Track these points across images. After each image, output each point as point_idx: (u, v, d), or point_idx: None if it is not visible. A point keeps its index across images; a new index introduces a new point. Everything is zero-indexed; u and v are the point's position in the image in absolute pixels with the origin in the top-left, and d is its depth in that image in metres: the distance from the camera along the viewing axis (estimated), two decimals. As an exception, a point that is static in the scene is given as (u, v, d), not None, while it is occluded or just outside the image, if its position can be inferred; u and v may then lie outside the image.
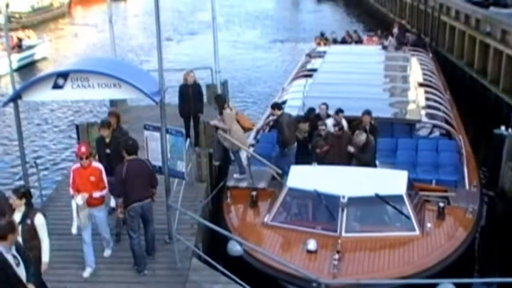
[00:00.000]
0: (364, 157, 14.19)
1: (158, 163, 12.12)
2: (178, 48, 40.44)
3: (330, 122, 15.12)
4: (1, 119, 27.34)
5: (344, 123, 15.33)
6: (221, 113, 14.93)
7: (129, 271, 11.41)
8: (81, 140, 11.45)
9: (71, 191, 11.14)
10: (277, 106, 16.05)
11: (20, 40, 38.30)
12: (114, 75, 11.19)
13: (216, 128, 15.04)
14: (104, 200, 11.56)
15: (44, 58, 39.78)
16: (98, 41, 43.37)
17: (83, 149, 10.98)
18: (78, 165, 11.21)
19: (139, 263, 11.38)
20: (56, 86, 11.55)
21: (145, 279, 11.08)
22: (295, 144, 15.39)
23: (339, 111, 15.47)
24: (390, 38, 30.42)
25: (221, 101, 15.19)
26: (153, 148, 12.24)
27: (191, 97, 16.91)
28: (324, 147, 14.26)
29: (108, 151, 12.34)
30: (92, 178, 10.98)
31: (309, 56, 27.50)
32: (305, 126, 15.27)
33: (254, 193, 13.88)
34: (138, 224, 11.40)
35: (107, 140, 12.43)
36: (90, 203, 11.02)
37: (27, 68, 37.12)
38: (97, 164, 11.30)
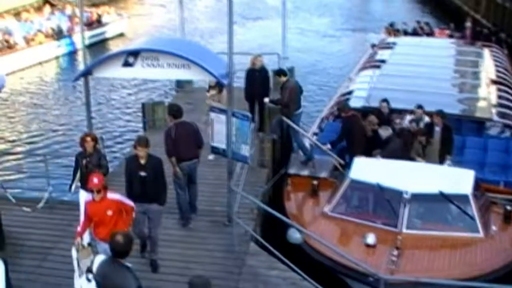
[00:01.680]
0: (385, 152, 14.01)
1: (222, 145, 12.16)
2: (243, 32, 40.27)
3: (408, 117, 14.95)
4: (73, 95, 27.98)
5: (426, 118, 15.05)
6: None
7: (188, 250, 11.48)
8: (94, 171, 10.21)
9: (79, 229, 9.67)
10: (282, 72, 15.94)
11: (99, 16, 39.25)
12: (184, 55, 11.23)
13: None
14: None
15: (121, 34, 40.76)
16: (166, 22, 43.73)
17: (95, 180, 9.31)
18: (90, 196, 9.57)
19: (185, 218, 12.32)
20: (126, 64, 11.68)
21: (203, 260, 11.10)
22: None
23: (419, 107, 15.20)
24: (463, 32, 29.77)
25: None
26: (218, 130, 12.22)
27: (257, 81, 16.84)
28: None
29: (143, 173, 10.44)
30: (110, 213, 9.38)
31: (378, 46, 27.08)
32: (374, 119, 15.00)
33: (315, 182, 13.80)
34: (185, 182, 12.16)
35: (143, 161, 10.48)
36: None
37: (105, 43, 38.12)
38: (113, 196, 9.55)
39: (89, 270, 7.05)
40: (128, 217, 9.65)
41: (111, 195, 9.48)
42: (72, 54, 35.40)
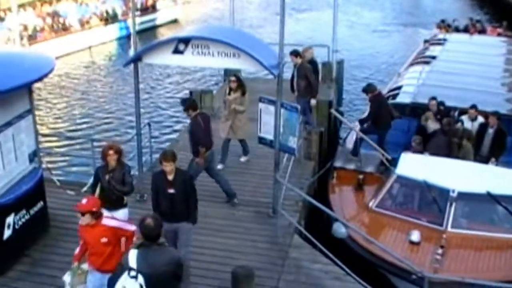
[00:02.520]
0: (430, 146, 13.92)
1: (269, 136, 12.14)
2: (293, 23, 40.11)
3: (465, 118, 14.79)
4: (123, 80, 28.27)
5: (480, 118, 14.86)
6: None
7: (232, 240, 11.52)
8: (90, 194, 9.37)
9: (76, 252, 8.84)
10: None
11: (154, 1, 39.83)
12: (234, 44, 11.19)
13: None
14: None
15: (175, 21, 41.41)
16: (216, 10, 43.96)
17: (83, 201, 8.27)
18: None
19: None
20: (176, 51, 11.67)
21: (246, 250, 11.13)
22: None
23: (473, 106, 14.98)
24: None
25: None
26: (266, 121, 12.19)
27: (307, 73, 16.79)
28: None
29: (171, 191, 9.47)
30: (104, 240, 8.27)
31: (428, 42, 26.71)
32: (430, 114, 14.78)
33: (361, 176, 13.74)
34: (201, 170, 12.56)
35: (170, 177, 9.52)
36: (104, 269, 8.34)
37: (158, 29, 38.69)
38: (110, 222, 8.45)
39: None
40: (129, 243, 8.40)
41: (108, 221, 8.39)
42: (125, 39, 35.77)
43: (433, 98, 15.36)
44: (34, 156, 11.30)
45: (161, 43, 12.10)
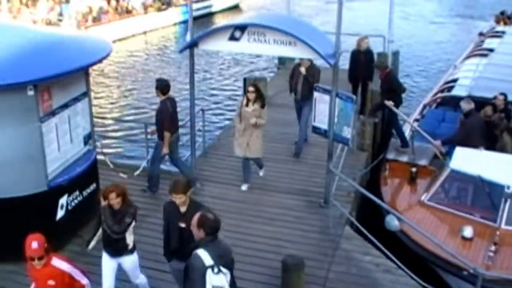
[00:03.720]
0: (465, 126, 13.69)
1: (323, 126, 12.07)
2: (349, 13, 39.82)
3: None
4: (178, 65, 28.45)
5: None
6: None
7: (283, 228, 11.50)
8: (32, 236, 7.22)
9: None
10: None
11: None
12: (291, 33, 11.13)
13: None
14: None
15: (236, 6, 42.23)
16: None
17: (34, 245, 7.06)
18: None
19: (154, 187, 12.67)
20: (232, 38, 11.68)
21: (296, 239, 11.10)
22: None
23: None
24: None
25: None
26: (320, 110, 12.13)
27: (362, 63, 16.68)
28: None
29: (182, 225, 8.04)
30: (51, 283, 7.30)
31: (486, 35, 26.23)
32: (488, 109, 14.49)
33: (414, 169, 13.56)
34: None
35: (183, 209, 8.08)
36: None
37: (219, 14, 39.39)
38: (61, 265, 7.36)
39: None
40: None
41: (59, 263, 7.34)
42: (186, 24, 35.97)
43: (502, 93, 15.01)
44: (88, 138, 11.44)
45: (217, 29, 12.12)
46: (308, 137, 14.79)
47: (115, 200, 8.34)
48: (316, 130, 12.60)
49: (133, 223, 8.61)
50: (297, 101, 14.86)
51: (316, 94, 12.27)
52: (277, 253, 10.28)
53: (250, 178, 13.15)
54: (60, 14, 32.15)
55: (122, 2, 35.09)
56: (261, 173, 13.49)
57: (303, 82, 14.47)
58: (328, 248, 10.85)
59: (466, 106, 13.79)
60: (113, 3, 34.56)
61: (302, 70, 14.46)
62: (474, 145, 13.06)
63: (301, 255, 9.63)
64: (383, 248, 10.59)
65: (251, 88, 12.56)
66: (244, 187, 13.06)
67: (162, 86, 12.21)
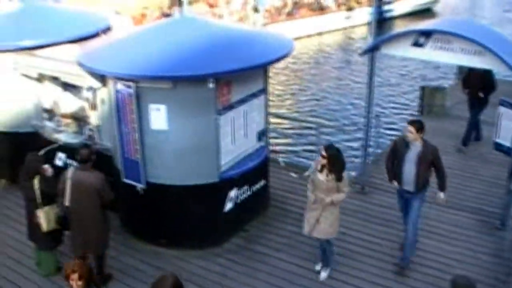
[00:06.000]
0: None
1: (506, 143, 11.36)
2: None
3: None
4: (358, 67, 28.20)
5: None
6: None
7: (448, 246, 10.92)
8: None
9: None
10: None
11: None
12: (481, 42, 10.48)
13: None
14: None
15: (428, 10, 41.29)
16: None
17: None
18: None
19: None
20: (416, 44, 11.27)
21: (464, 259, 10.47)
22: None
23: None
24: None
25: None
26: (505, 126, 11.39)
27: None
28: None
29: None
30: None
31: None
32: None
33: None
34: None
35: None
36: None
37: (408, 17, 38.18)
38: None
39: None
40: None
41: None
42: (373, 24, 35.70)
43: None
44: (262, 135, 11.50)
45: (400, 34, 11.73)
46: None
47: (76, 282, 6.55)
48: (498, 147, 11.84)
49: None
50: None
51: (502, 109, 11.52)
52: (445, 271, 9.85)
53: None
54: (255, 8, 32.80)
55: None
56: (321, 276, 10.07)
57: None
58: (501, 273, 10.09)
59: None
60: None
61: None
62: None
63: (469, 275, 9.06)
64: None
65: (323, 153, 9.14)
66: (323, 274, 10.09)
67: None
